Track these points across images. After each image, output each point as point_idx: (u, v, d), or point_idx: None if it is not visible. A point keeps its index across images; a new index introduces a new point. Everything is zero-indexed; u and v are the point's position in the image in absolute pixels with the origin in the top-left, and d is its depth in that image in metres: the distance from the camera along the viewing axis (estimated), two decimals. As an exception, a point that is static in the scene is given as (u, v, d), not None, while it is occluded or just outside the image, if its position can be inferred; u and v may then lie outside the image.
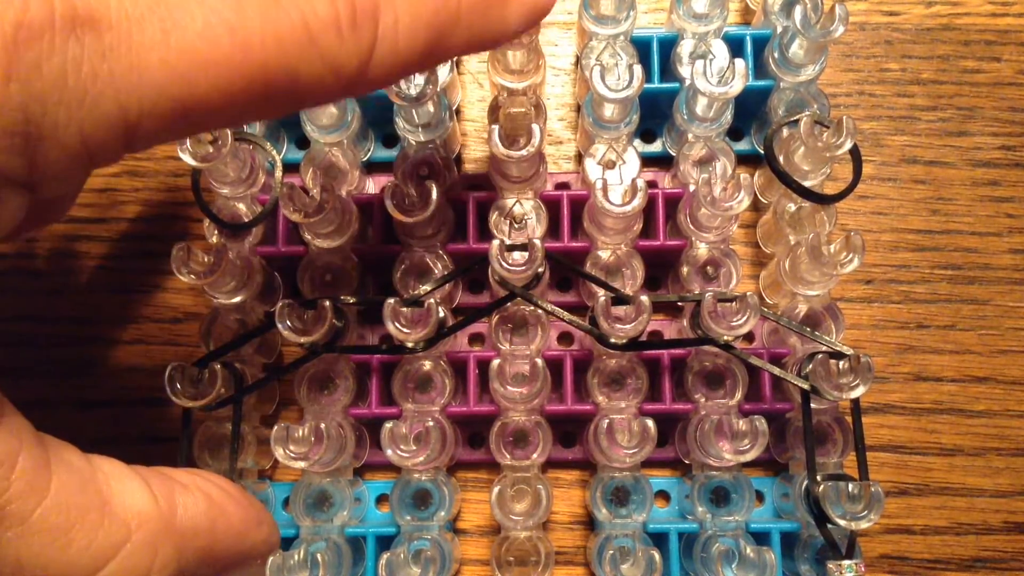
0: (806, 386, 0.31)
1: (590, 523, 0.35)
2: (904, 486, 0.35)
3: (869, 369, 0.30)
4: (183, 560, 0.23)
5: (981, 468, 0.35)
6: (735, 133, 0.38)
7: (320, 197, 0.31)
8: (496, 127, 0.31)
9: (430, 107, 0.33)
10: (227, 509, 0.25)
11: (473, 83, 0.39)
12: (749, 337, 0.36)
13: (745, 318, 0.30)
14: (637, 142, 0.37)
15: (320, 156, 0.35)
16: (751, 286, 0.37)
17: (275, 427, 0.30)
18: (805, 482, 0.31)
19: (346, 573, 0.32)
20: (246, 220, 0.34)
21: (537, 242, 0.30)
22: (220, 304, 0.33)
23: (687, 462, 0.34)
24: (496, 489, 0.31)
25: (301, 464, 0.30)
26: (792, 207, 0.34)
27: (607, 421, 0.31)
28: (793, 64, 0.34)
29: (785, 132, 0.33)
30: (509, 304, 0.32)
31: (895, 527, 0.35)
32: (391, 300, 0.30)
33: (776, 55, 0.34)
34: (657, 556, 0.30)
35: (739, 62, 0.31)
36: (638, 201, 0.30)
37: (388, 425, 0.31)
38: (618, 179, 0.31)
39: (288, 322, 0.30)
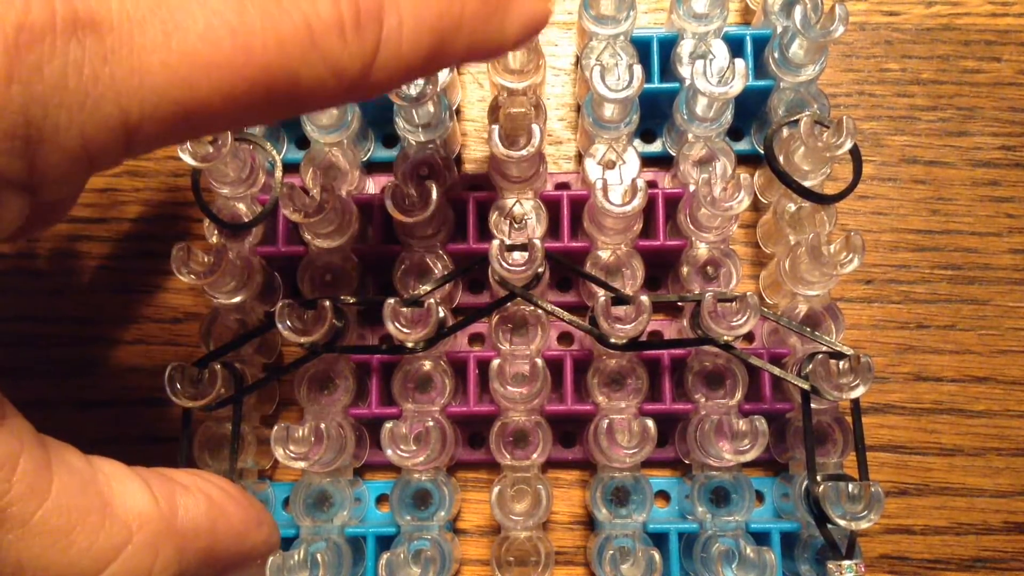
0: (806, 386, 0.31)
1: (590, 523, 0.35)
2: (904, 486, 0.35)
3: (869, 369, 0.30)
4: (184, 561, 0.23)
5: (981, 468, 0.35)
6: (735, 133, 0.38)
7: (320, 197, 0.31)
8: (496, 127, 0.31)
9: (430, 107, 0.33)
10: (227, 510, 0.25)
11: (473, 83, 0.39)
12: (749, 337, 0.36)
13: (745, 318, 0.30)
14: (637, 142, 0.37)
15: (320, 156, 0.35)
16: (751, 286, 0.37)
17: (275, 427, 0.30)
18: (805, 482, 0.31)
19: (346, 573, 0.32)
20: (246, 220, 0.34)
21: (537, 242, 0.30)
22: (220, 304, 0.33)
23: (687, 462, 0.34)
24: (496, 489, 0.31)
25: (301, 464, 0.30)
26: (792, 207, 0.34)
27: (607, 421, 0.31)
28: (793, 64, 0.34)
29: (785, 132, 0.33)
30: (509, 304, 0.32)
31: (895, 527, 0.35)
32: (391, 300, 0.30)
33: (776, 55, 0.34)
34: (657, 556, 0.30)
35: (739, 62, 0.31)
36: (638, 201, 0.30)
37: (388, 425, 0.31)
38: (618, 179, 0.31)
39: (288, 322, 0.30)
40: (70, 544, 0.20)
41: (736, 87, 0.31)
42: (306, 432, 0.30)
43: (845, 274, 0.31)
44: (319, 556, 0.30)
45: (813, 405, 0.32)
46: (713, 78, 0.31)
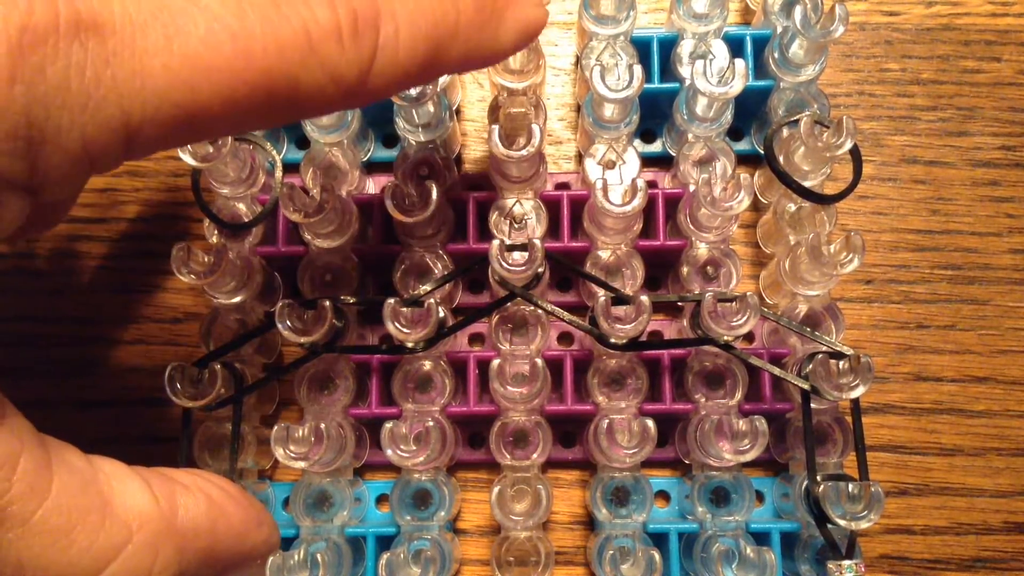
0: (806, 386, 0.31)
1: (590, 523, 0.35)
2: (904, 486, 0.35)
3: (869, 369, 0.30)
4: (184, 561, 0.23)
5: (981, 468, 0.35)
6: (735, 133, 0.38)
7: (320, 197, 0.31)
8: (496, 127, 0.31)
9: (430, 107, 0.33)
10: (228, 510, 0.25)
11: (473, 83, 0.39)
12: (749, 337, 0.36)
13: (745, 318, 0.30)
14: (637, 142, 0.37)
15: (320, 156, 0.35)
16: (751, 286, 0.37)
17: (275, 427, 0.30)
18: (805, 482, 0.31)
19: (346, 573, 0.32)
20: (246, 220, 0.34)
21: (537, 242, 0.30)
22: (220, 304, 0.33)
23: (687, 462, 0.34)
24: (496, 489, 0.31)
25: (301, 464, 0.30)
26: (792, 207, 0.34)
27: (607, 421, 0.31)
28: (793, 64, 0.34)
29: (785, 132, 0.33)
30: (509, 304, 0.32)
31: (895, 527, 0.35)
32: (391, 300, 0.30)
33: (776, 55, 0.34)
34: (657, 556, 0.30)
35: (739, 62, 0.31)
36: (638, 201, 0.30)
37: (388, 425, 0.31)
38: (618, 179, 0.31)
39: (288, 322, 0.30)
40: (70, 543, 0.20)
41: (736, 87, 0.31)
42: (306, 432, 0.30)
43: (845, 274, 0.31)
44: (319, 556, 0.30)
45: (813, 405, 0.32)
46: (713, 78, 0.31)
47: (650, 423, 0.31)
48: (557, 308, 0.31)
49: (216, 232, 0.33)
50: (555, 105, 0.39)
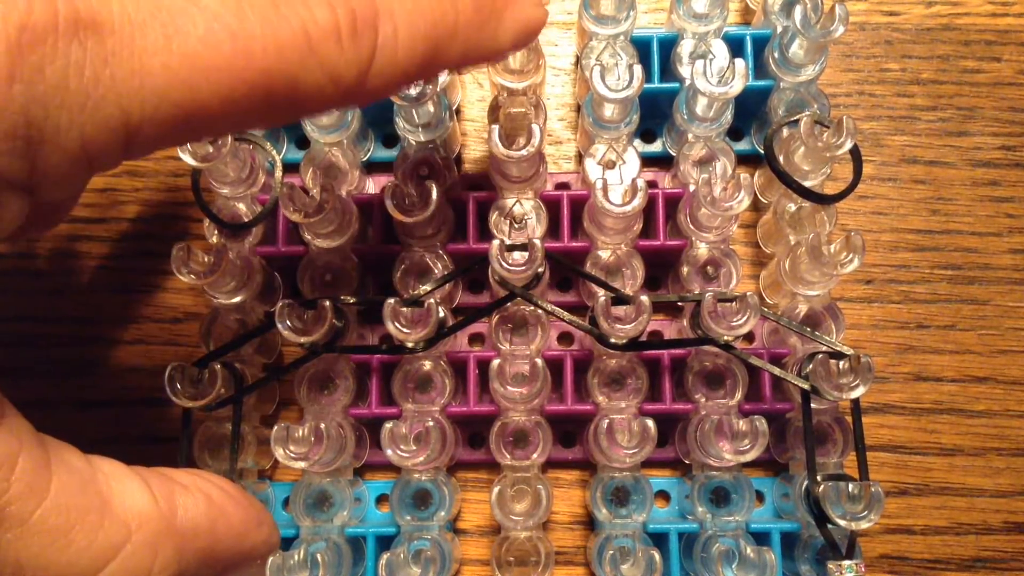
0: (806, 386, 0.31)
1: (590, 523, 0.35)
2: (904, 486, 0.35)
3: (869, 369, 0.30)
4: (183, 561, 0.23)
5: (981, 468, 0.35)
6: (735, 133, 0.38)
7: (320, 197, 0.31)
8: (496, 127, 0.31)
9: (430, 107, 0.33)
10: (227, 510, 0.25)
11: (473, 83, 0.39)
12: (749, 337, 0.36)
13: (745, 318, 0.30)
14: (637, 142, 0.37)
15: (320, 156, 0.35)
16: (751, 286, 0.37)
17: (275, 427, 0.30)
18: (805, 482, 0.31)
19: (346, 573, 0.32)
20: (246, 220, 0.34)
21: (537, 242, 0.30)
22: (220, 304, 0.33)
23: (687, 462, 0.34)
24: (496, 489, 0.31)
25: (301, 464, 0.30)
26: (792, 207, 0.34)
27: (607, 421, 0.31)
28: (793, 64, 0.34)
29: (785, 132, 0.33)
30: (509, 304, 0.32)
31: (895, 527, 0.35)
32: (391, 300, 0.30)
33: (776, 55, 0.34)
34: (657, 556, 0.30)
35: (739, 62, 0.31)
36: (638, 201, 0.30)
37: (388, 425, 0.31)
38: (618, 179, 0.31)
39: (288, 322, 0.30)
40: (69, 543, 0.20)
41: (736, 87, 0.31)
42: (306, 432, 0.30)
43: (845, 274, 0.31)
44: (319, 556, 0.30)
45: (813, 405, 0.32)
46: (713, 78, 0.31)
47: (650, 423, 0.31)
48: (557, 308, 0.31)
49: (216, 232, 0.33)
50: (555, 105, 0.39)
